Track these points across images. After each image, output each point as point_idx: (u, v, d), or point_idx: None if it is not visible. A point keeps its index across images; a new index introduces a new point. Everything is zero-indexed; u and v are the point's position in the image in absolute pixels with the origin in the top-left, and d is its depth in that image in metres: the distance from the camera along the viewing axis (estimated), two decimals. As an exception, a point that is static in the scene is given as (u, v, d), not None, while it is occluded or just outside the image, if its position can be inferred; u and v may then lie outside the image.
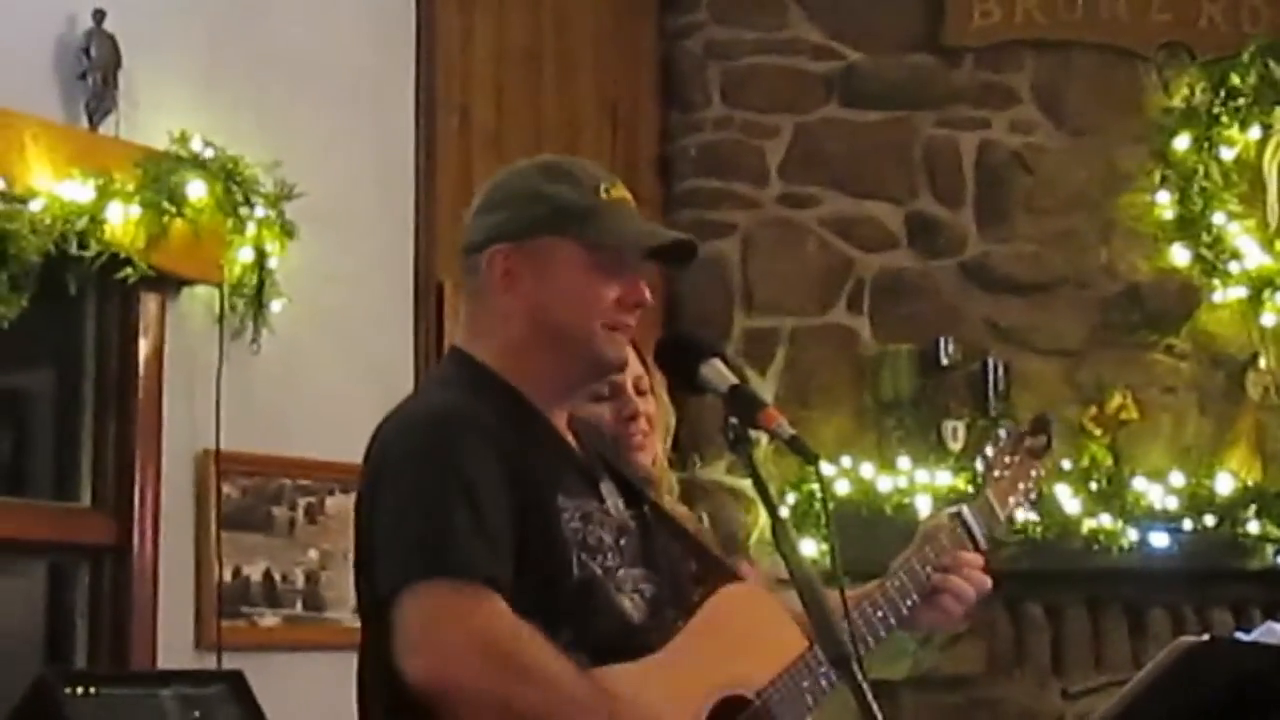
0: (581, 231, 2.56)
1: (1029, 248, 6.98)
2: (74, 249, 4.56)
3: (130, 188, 4.71)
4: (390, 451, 2.48)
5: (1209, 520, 6.58)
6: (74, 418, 4.96)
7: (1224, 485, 6.65)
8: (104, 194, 4.64)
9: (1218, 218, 6.92)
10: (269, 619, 5.16)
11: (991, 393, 6.71)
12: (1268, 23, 7.12)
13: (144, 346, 4.93)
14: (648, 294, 2.62)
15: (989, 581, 2.98)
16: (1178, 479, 6.65)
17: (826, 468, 6.29)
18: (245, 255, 5.06)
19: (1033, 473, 3.25)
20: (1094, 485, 6.58)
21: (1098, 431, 6.73)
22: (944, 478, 6.49)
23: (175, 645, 4.88)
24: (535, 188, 2.60)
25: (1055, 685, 6.60)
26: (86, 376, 4.97)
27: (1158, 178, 7.00)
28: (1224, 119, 6.99)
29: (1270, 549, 6.58)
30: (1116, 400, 6.74)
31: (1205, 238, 6.90)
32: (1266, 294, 6.88)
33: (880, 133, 6.99)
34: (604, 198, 2.60)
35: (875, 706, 2.21)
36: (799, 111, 6.98)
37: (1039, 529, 6.36)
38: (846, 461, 6.47)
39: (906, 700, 6.36)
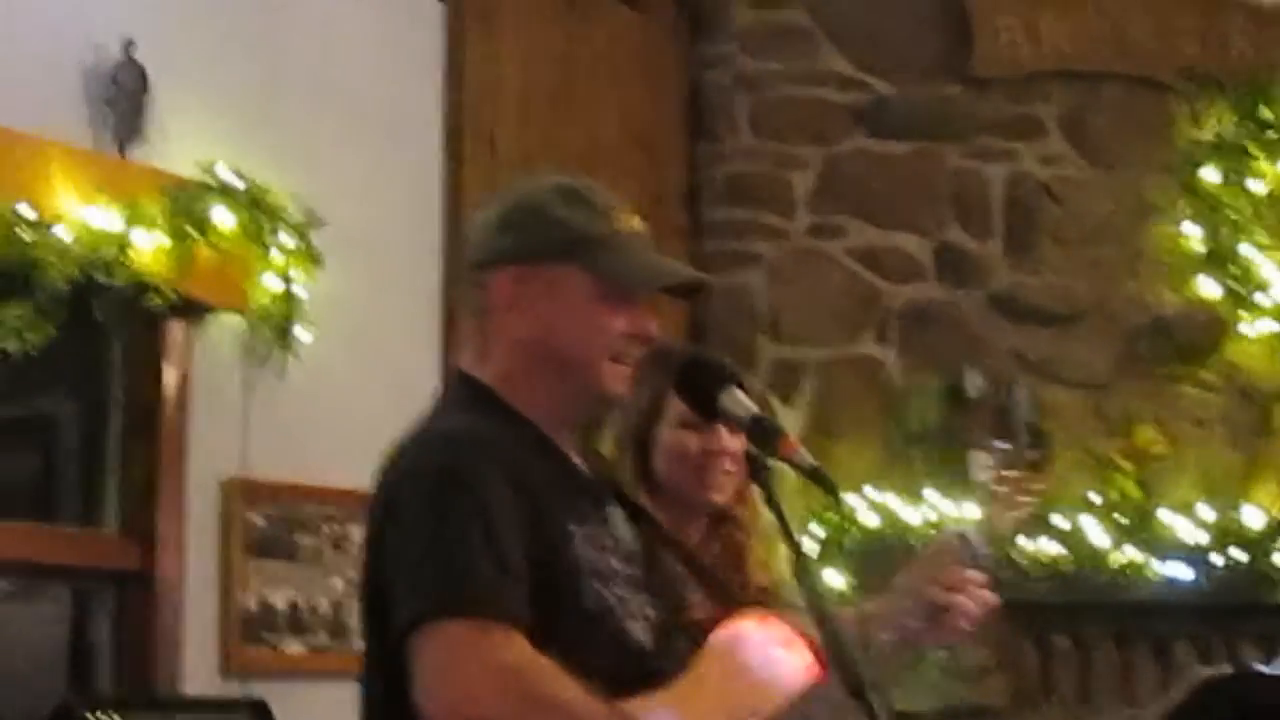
0: (593, 261, 2.51)
1: (1056, 279, 6.96)
2: (101, 276, 4.58)
3: (158, 216, 4.73)
4: (404, 478, 2.43)
5: (1237, 553, 6.54)
6: (100, 444, 4.98)
7: (1253, 518, 6.60)
8: (131, 222, 4.66)
9: (1246, 249, 6.90)
10: (294, 646, 5.16)
11: (1019, 424, 6.70)
12: (1297, 54, 7.12)
13: (170, 374, 4.95)
14: (655, 328, 2.59)
15: (994, 598, 2.96)
16: (1206, 512, 6.61)
17: (852, 499, 6.28)
18: (272, 283, 5.08)
19: (1034, 486, 3.22)
20: (1122, 518, 6.55)
21: (1125, 464, 6.70)
22: (971, 510, 6.46)
23: (200, 672, 4.88)
24: (550, 211, 2.55)
25: (1082, 718, 6.56)
26: (113, 403, 4.99)
27: (1185, 209, 6.98)
28: (1253, 151, 6.97)
29: (1300, 583, 6.55)
30: (1144, 433, 6.72)
31: (1233, 269, 6.88)
32: (1295, 326, 6.87)
33: (908, 164, 6.99)
34: (619, 228, 2.56)
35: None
36: (827, 142, 6.98)
37: (1067, 562, 6.34)
38: (873, 493, 6.45)
39: (932, 732, 6.34)
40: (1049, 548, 6.36)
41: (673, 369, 2.71)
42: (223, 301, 5.01)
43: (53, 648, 4.92)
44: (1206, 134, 7.05)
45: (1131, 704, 6.50)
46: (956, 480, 6.60)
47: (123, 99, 4.80)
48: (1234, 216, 6.92)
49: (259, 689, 4.66)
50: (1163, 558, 6.48)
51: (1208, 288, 6.93)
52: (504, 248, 2.55)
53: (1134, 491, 6.66)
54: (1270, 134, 6.97)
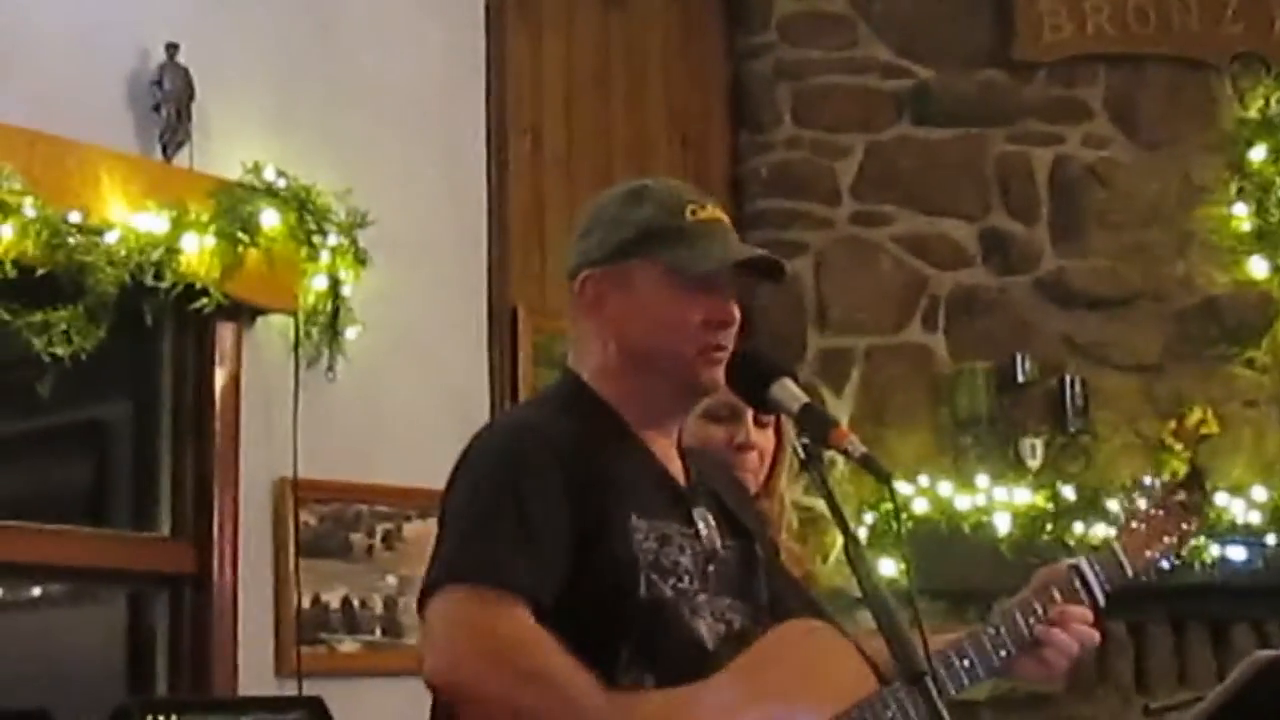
0: (663, 253, 2.59)
1: (1104, 262, 6.93)
2: (150, 280, 4.60)
3: (205, 218, 4.75)
4: (462, 460, 2.55)
5: (1292, 534, 6.51)
6: (152, 448, 5.00)
7: (1307, 499, 6.58)
8: (179, 225, 4.68)
9: (1296, 228, 6.86)
10: (348, 645, 5.18)
11: (1069, 409, 6.67)
12: (1343, 31, 7.07)
13: (220, 376, 4.97)
14: (736, 312, 2.63)
15: (1097, 637, 2.91)
16: (1260, 493, 6.57)
17: (903, 486, 6.26)
18: (319, 283, 5.10)
19: (1182, 526, 3.15)
20: (1175, 500, 6.50)
21: (1178, 446, 6.67)
22: (1022, 495, 6.45)
23: (255, 672, 4.90)
24: (619, 212, 2.64)
25: (1138, 704, 6.52)
26: (164, 406, 5.01)
27: (1234, 189, 6.94)
28: (1301, 129, 6.94)
29: (1354, 562, 6.50)
30: (1196, 414, 6.69)
31: (1284, 248, 6.84)
32: (1347, 304, 6.82)
33: (952, 149, 6.97)
34: (689, 219, 2.62)
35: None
36: (870, 130, 6.96)
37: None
38: (924, 480, 6.43)
39: (987, 720, 6.32)
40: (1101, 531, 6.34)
41: None
42: (271, 303, 5.02)
43: (109, 652, 4.95)
44: (1253, 113, 7.01)
45: (1188, 687, 6.46)
46: (1008, 466, 6.59)
47: (168, 104, 4.82)
48: (1283, 195, 6.88)
49: (314, 688, 4.67)
50: (1217, 540, 6.44)
51: (1257, 268, 6.89)
52: (583, 253, 2.66)
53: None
54: (1318, 112, 6.93)
